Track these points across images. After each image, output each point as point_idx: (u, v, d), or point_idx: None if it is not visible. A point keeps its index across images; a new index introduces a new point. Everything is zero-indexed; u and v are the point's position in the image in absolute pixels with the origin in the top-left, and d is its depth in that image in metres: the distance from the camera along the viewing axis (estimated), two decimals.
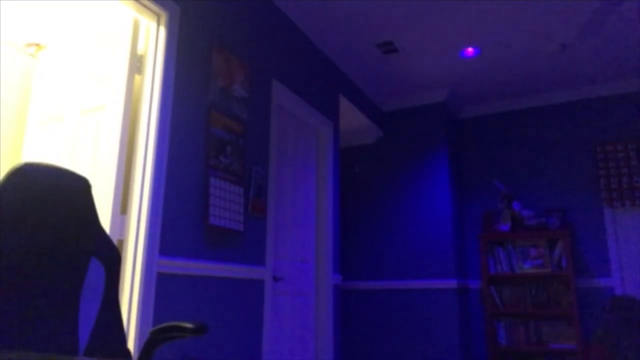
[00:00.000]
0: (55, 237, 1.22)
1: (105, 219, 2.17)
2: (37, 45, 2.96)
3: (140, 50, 2.45)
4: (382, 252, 4.93)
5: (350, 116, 4.76)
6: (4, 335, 1.05)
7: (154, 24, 2.44)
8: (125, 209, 2.27)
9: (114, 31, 2.47)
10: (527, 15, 3.63)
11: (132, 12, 2.39)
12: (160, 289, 2.22)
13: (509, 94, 5.06)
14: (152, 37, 2.44)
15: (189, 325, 1.41)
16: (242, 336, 2.75)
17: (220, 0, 2.87)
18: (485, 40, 4.00)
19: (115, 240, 2.17)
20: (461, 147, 5.37)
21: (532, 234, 4.56)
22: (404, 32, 3.90)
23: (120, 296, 2.13)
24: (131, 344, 2.06)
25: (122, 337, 1.39)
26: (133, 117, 2.39)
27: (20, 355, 1.00)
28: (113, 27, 2.49)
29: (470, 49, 4.15)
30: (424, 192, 4.84)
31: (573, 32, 3.86)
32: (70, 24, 2.72)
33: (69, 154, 2.45)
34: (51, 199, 1.25)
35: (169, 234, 2.30)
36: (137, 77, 2.42)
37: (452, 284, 4.52)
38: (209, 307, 2.51)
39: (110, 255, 1.40)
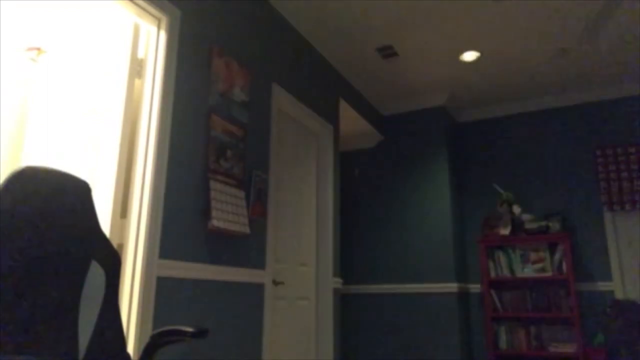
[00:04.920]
0: (56, 240, 1.22)
1: (105, 222, 2.17)
2: (38, 49, 2.96)
3: (140, 54, 2.45)
4: (382, 256, 4.92)
5: (350, 120, 4.76)
6: (3, 339, 1.04)
7: (154, 28, 2.45)
8: (125, 212, 2.27)
9: (115, 35, 2.48)
10: (527, 18, 3.64)
11: (133, 17, 2.40)
12: (160, 293, 2.22)
13: (509, 97, 5.07)
14: (153, 41, 2.44)
15: (189, 329, 1.41)
16: (243, 340, 2.74)
17: (220, 4, 2.88)
18: (485, 43, 4.01)
19: (115, 244, 2.17)
20: (461, 150, 5.37)
21: (532, 238, 4.56)
22: (404, 36, 3.91)
23: (120, 300, 2.13)
24: (131, 348, 2.06)
25: (122, 341, 1.39)
26: (133, 121, 2.39)
27: (20, 358, 1.00)
28: (113, 32, 2.49)
29: (470, 53, 4.16)
30: (424, 196, 4.84)
31: (573, 35, 3.87)
32: (71, 28, 2.73)
33: (69, 157, 2.45)
34: (51, 202, 1.25)
35: (169, 237, 2.30)
36: (137, 81, 2.42)
37: (452, 287, 4.51)
38: (209, 310, 2.51)
39: (110, 258, 1.39)
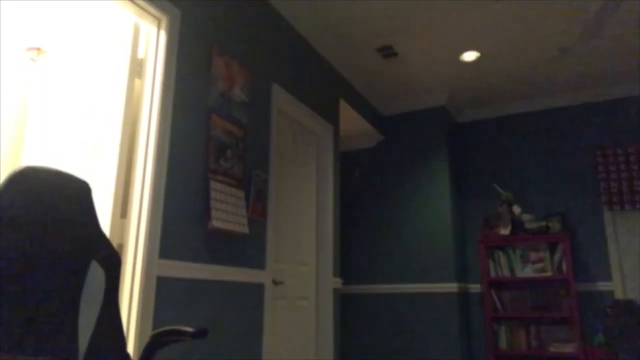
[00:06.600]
0: (56, 240, 1.22)
1: (105, 222, 2.17)
2: (38, 49, 2.97)
3: (140, 54, 2.45)
4: (382, 256, 4.92)
5: (351, 120, 4.76)
6: (3, 339, 1.04)
7: (154, 29, 2.45)
8: (126, 212, 2.27)
9: (115, 35, 2.48)
10: (527, 18, 3.64)
11: (133, 17, 2.40)
12: (160, 293, 2.22)
13: (509, 97, 5.07)
14: (153, 41, 2.44)
15: (189, 329, 1.41)
16: (242, 340, 2.75)
17: (220, 4, 2.88)
18: (485, 44, 4.01)
19: (115, 244, 2.17)
20: (461, 151, 5.37)
21: (532, 238, 4.56)
22: (404, 36, 3.91)
23: (120, 299, 2.13)
24: (131, 348, 2.06)
25: (122, 341, 1.39)
26: (133, 120, 2.39)
27: (21, 358, 1.00)
28: (113, 32, 2.49)
29: (470, 53, 4.16)
30: (424, 196, 4.84)
31: (573, 35, 3.87)
32: (71, 28, 2.73)
33: (69, 157, 2.46)
34: (52, 202, 1.25)
35: (169, 237, 2.30)
36: (137, 81, 2.43)
37: (452, 287, 4.51)
38: (208, 310, 2.51)
39: (110, 258, 1.39)
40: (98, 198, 2.23)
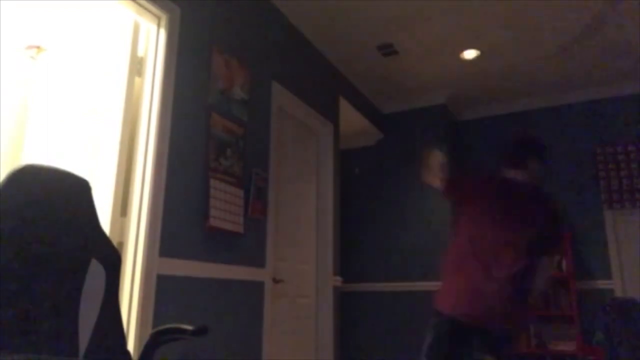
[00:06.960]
0: (56, 238, 1.23)
1: (105, 220, 2.17)
2: (38, 47, 2.96)
3: (140, 52, 2.45)
4: (383, 254, 4.93)
5: (351, 118, 4.76)
6: (3, 337, 1.05)
7: (154, 27, 2.45)
8: (126, 211, 2.27)
9: (115, 34, 2.48)
10: (527, 17, 3.64)
11: (133, 15, 2.40)
12: (160, 291, 2.22)
13: (509, 96, 5.06)
14: (152, 39, 2.44)
15: (189, 327, 1.41)
16: (243, 338, 2.75)
17: (220, 2, 2.88)
18: (485, 42, 4.01)
19: (115, 242, 2.17)
20: (461, 149, 5.37)
21: None
22: (404, 34, 3.90)
23: (120, 298, 2.13)
24: (131, 346, 2.06)
25: (122, 339, 1.39)
26: (133, 119, 2.39)
27: (20, 357, 1.00)
28: (113, 30, 2.49)
29: (470, 51, 4.15)
30: (424, 194, 4.84)
31: (573, 34, 3.87)
32: (71, 27, 2.73)
33: (69, 157, 2.46)
34: (52, 200, 1.25)
35: (169, 235, 2.30)
36: (137, 80, 2.43)
37: None
38: (209, 308, 2.51)
39: (110, 256, 1.40)
40: (98, 196, 2.23)
